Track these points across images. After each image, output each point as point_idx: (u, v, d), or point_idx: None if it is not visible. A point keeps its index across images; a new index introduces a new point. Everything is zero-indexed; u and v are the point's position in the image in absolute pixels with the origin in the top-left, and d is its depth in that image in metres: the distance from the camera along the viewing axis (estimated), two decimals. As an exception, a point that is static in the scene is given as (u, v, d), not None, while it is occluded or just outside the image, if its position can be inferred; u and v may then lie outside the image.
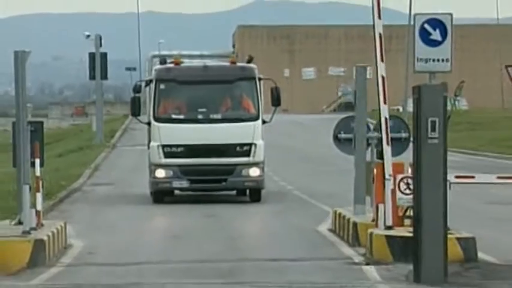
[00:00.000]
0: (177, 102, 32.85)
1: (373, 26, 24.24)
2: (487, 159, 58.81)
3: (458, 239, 22.62)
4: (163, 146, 31.90)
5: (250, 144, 31.80)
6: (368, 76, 29.45)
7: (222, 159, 31.74)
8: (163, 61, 32.71)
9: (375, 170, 25.83)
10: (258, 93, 32.10)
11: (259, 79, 32.23)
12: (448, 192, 20.73)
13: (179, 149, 31.87)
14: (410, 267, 20.72)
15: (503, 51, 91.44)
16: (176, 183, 32.03)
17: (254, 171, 31.89)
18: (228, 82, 32.49)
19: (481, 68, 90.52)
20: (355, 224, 26.53)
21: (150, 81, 32.69)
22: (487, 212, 34.19)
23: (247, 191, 33.55)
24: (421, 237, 20.70)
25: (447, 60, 23.60)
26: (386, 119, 24.54)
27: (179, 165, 31.79)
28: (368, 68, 29.89)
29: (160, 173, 31.86)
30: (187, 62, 33.60)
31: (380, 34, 23.97)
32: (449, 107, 24.43)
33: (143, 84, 33.96)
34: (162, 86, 32.21)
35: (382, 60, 23.73)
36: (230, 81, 32.49)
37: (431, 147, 20.67)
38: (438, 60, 23.70)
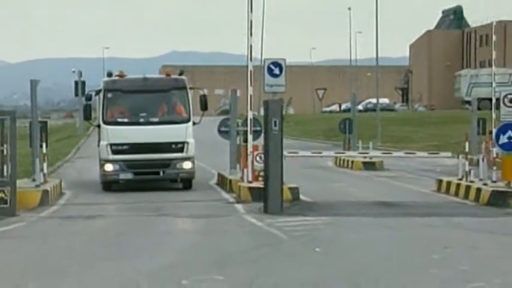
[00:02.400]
0: (122, 108, 31.27)
1: (247, 66, 27.75)
2: (305, 143, 64.52)
3: (289, 188, 26.70)
4: (111, 145, 30.41)
5: (183, 143, 30.59)
6: (238, 94, 34.19)
7: (160, 154, 30.49)
8: (109, 74, 31.43)
9: (242, 149, 30.53)
10: (188, 100, 31.07)
11: (190, 88, 31.32)
12: (283, 161, 24.75)
13: (124, 147, 30.40)
14: (262, 204, 24.69)
15: (316, 81, 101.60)
16: (122, 175, 30.66)
17: (187, 165, 30.66)
18: (164, 91, 31.26)
19: (302, 91, 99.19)
20: (230, 180, 31.32)
21: (99, 91, 31.29)
22: (305, 172, 38.65)
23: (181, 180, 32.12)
24: (268, 188, 24.54)
25: (282, 86, 27.61)
26: (250, 119, 28.66)
27: (124, 160, 30.35)
28: (238, 90, 34.17)
29: (109, 167, 30.41)
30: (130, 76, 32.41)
31: (250, 70, 27.57)
32: (284, 112, 27.46)
33: (93, 93, 32.22)
34: (109, 95, 30.83)
35: (251, 85, 27.62)
36: (166, 90, 31.24)
37: (273, 136, 24.48)
38: (277, 85, 27.57)
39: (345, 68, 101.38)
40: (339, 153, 46.06)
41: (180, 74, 31.81)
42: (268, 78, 27.55)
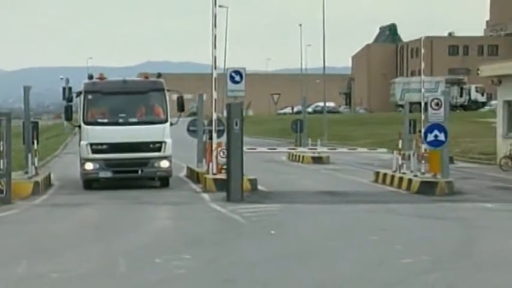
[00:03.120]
0: (101, 109, 28.35)
1: (212, 74, 27.65)
2: (262, 140, 64.06)
3: (248, 179, 26.74)
4: (91, 144, 27.61)
5: (161, 142, 27.82)
6: (204, 98, 34.22)
7: (139, 154, 27.64)
8: (90, 77, 28.75)
9: (207, 145, 30.06)
10: (166, 102, 28.20)
11: (167, 90, 28.31)
12: (243, 156, 24.74)
13: (104, 146, 27.58)
14: (225, 193, 24.53)
15: (271, 87, 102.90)
16: (102, 174, 27.79)
17: (164, 163, 27.94)
18: (142, 93, 28.41)
19: (259, 95, 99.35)
20: (197, 173, 31.22)
21: (80, 92, 28.42)
22: (262, 166, 38.22)
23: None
24: (230, 179, 24.48)
25: (242, 91, 27.35)
26: (215, 120, 28.80)
27: (104, 159, 27.58)
28: (204, 95, 34.33)
29: (89, 166, 27.68)
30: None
31: (215, 78, 27.60)
32: (244, 114, 26.81)
33: (74, 95, 29.63)
34: (89, 96, 27.95)
35: (215, 90, 27.72)
36: (144, 92, 28.41)
37: (235, 134, 24.45)
38: (238, 91, 27.29)
39: (297, 76, 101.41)
40: (292, 149, 46.24)
41: (158, 77, 29.31)
42: (230, 85, 27.38)
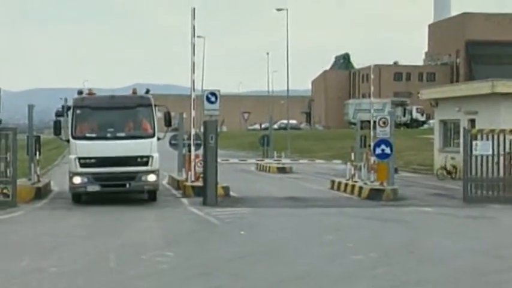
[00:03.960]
0: (90, 123, 25.11)
1: (191, 95, 27.54)
2: (234, 152, 63.69)
3: (222, 186, 26.63)
4: (79, 158, 24.38)
5: (148, 156, 24.52)
6: (184, 116, 33.71)
7: (126, 168, 24.37)
8: (80, 92, 25.71)
9: (187, 157, 30.23)
10: (153, 117, 24.98)
11: (155, 106, 25.24)
12: (218, 166, 24.76)
13: (92, 160, 24.35)
14: (201, 199, 24.59)
15: (243, 106, 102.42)
16: (90, 187, 24.46)
17: (151, 177, 24.63)
18: (130, 108, 25.18)
19: (232, 114, 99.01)
20: (178, 181, 30.86)
21: (69, 107, 25.40)
22: (234, 175, 38.19)
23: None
24: (206, 186, 24.50)
25: (217, 110, 27.20)
26: (193, 135, 28.69)
27: (92, 173, 24.33)
28: (184, 113, 33.98)
29: (77, 180, 24.43)
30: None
31: (193, 98, 27.46)
32: (218, 130, 25.99)
33: (64, 110, 26.60)
34: (78, 111, 24.80)
35: (193, 109, 27.61)
36: (132, 107, 25.18)
37: (210, 147, 24.39)
38: (213, 110, 27.13)
39: (264, 97, 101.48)
40: (260, 160, 46.38)
41: (146, 93, 26.01)
42: (207, 104, 27.21)
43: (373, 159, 28.97)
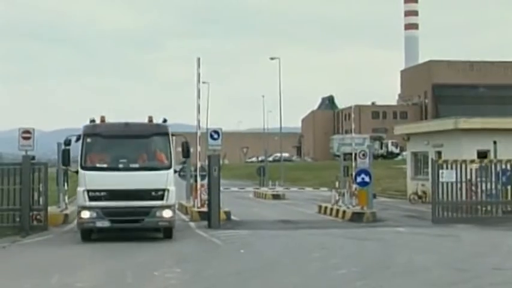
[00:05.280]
0: (101, 153, 20.36)
1: (196, 132, 27.30)
2: (235, 182, 63.85)
3: (224, 211, 26.13)
4: (88, 191, 19.70)
5: (163, 190, 19.75)
6: (192, 151, 33.40)
7: (139, 202, 19.53)
8: (92, 121, 20.78)
9: (193, 186, 29.86)
10: (170, 147, 20.43)
11: (172, 135, 20.83)
12: (220, 194, 24.17)
13: (102, 193, 19.61)
14: (206, 222, 24.11)
15: (242, 142, 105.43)
16: (99, 223, 19.73)
17: (167, 213, 19.86)
18: (145, 137, 20.41)
19: (233, 148, 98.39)
20: (186, 207, 30.00)
21: (79, 136, 20.55)
22: (235, 201, 37.88)
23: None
24: (210, 211, 23.99)
25: (220, 145, 26.55)
26: (199, 167, 28.40)
27: (102, 208, 19.59)
28: (191, 148, 33.40)
29: (85, 214, 19.80)
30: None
31: (199, 136, 27.11)
32: (221, 162, 25.59)
33: (74, 139, 20.80)
34: (88, 140, 20.26)
35: (199, 145, 27.25)
36: (147, 136, 20.42)
37: (214, 177, 23.96)
38: (216, 145, 26.45)
39: (261, 134, 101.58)
40: (256, 188, 46.37)
41: (164, 122, 21.08)
42: (210, 141, 26.84)
43: (354, 186, 28.92)
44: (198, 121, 27.68)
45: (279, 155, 77.55)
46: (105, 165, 20.17)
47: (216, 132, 27.16)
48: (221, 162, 26.30)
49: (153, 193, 19.81)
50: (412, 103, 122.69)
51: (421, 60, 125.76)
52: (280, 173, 58.88)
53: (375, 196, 34.22)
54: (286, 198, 44.48)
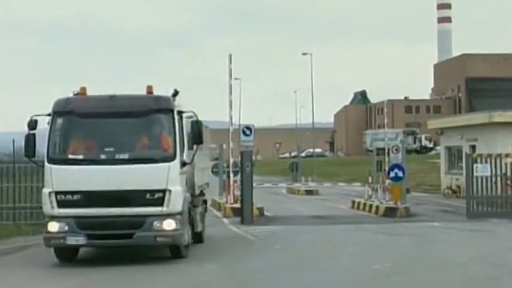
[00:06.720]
0: (76, 139, 14.35)
1: (229, 129, 27.25)
2: (267, 177, 62.94)
3: (257, 207, 25.96)
4: (56, 193, 13.90)
5: (163, 191, 13.85)
6: (224, 147, 33.04)
7: (129, 209, 13.75)
8: (76, 94, 14.74)
9: (226, 182, 30.11)
10: (175, 129, 14.14)
11: (179, 112, 14.38)
12: (253, 190, 24.14)
13: (75, 197, 13.80)
14: (240, 218, 24.05)
15: (274, 138, 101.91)
16: (71, 240, 13.88)
17: (168, 224, 13.94)
18: (138, 115, 14.18)
19: (265, 144, 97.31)
20: (219, 203, 30.20)
21: (48, 114, 14.42)
22: (267, 197, 37.75)
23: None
24: (243, 207, 23.97)
25: (252, 141, 26.68)
26: (232, 163, 28.49)
27: (75, 217, 13.79)
28: (224, 144, 33.22)
29: (53, 227, 13.95)
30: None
31: (232, 132, 26.88)
32: (253, 158, 25.31)
33: (40, 119, 14.44)
34: (59, 120, 14.28)
35: (232, 141, 27.18)
36: (141, 114, 14.18)
37: (247, 174, 23.88)
38: (249, 141, 26.61)
39: (293, 129, 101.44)
40: (290, 184, 46.43)
41: (174, 95, 14.60)
42: (243, 137, 26.76)
43: (388, 181, 28.78)
44: (231, 117, 27.83)
45: (311, 150, 77.45)
46: (80, 157, 14.23)
47: (249, 128, 27.26)
48: (253, 158, 26.32)
49: (149, 195, 13.96)
50: (445, 97, 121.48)
51: (454, 54, 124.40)
52: (313, 168, 58.83)
53: (408, 191, 34.00)
54: (319, 194, 44.44)
